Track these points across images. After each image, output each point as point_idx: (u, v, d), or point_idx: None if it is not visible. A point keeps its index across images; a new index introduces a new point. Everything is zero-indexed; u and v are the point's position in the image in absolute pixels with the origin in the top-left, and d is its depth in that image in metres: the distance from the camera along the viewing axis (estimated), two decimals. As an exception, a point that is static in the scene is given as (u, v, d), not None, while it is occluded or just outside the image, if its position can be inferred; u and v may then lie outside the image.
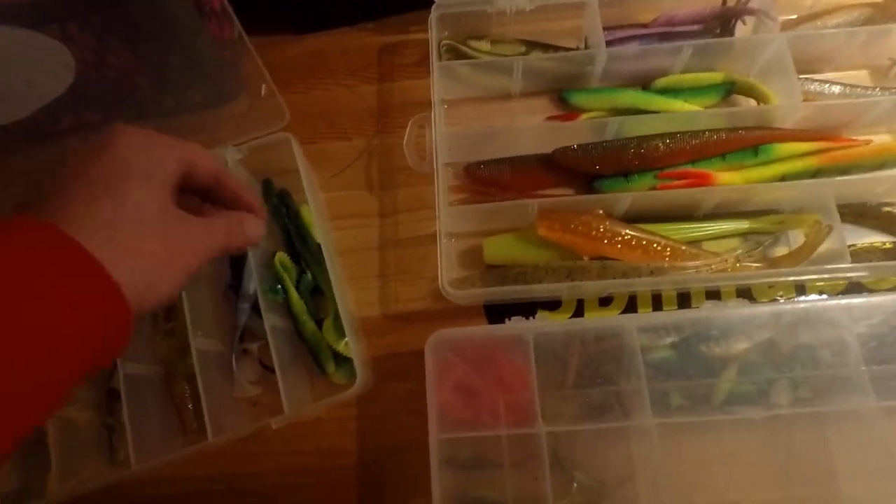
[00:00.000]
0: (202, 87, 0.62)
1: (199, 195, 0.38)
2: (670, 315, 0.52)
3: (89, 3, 0.47)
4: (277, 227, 0.60)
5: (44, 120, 0.54)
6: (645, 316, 0.52)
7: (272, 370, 0.51)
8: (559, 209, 0.54)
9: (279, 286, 0.56)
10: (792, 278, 0.54)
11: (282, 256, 0.57)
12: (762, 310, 0.49)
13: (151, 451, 0.50)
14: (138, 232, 0.30)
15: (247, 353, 0.57)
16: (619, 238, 0.53)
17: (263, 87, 0.67)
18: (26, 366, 0.25)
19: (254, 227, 0.39)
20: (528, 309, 0.56)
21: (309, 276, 0.57)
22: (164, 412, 0.55)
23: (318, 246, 0.57)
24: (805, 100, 0.58)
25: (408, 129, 0.58)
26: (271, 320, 0.53)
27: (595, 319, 0.53)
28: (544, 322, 0.51)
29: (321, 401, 0.50)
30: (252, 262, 0.55)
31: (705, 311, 0.50)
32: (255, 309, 0.55)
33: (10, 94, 0.48)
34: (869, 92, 0.59)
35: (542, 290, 0.52)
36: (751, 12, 0.59)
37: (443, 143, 0.56)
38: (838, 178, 0.53)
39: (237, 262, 0.58)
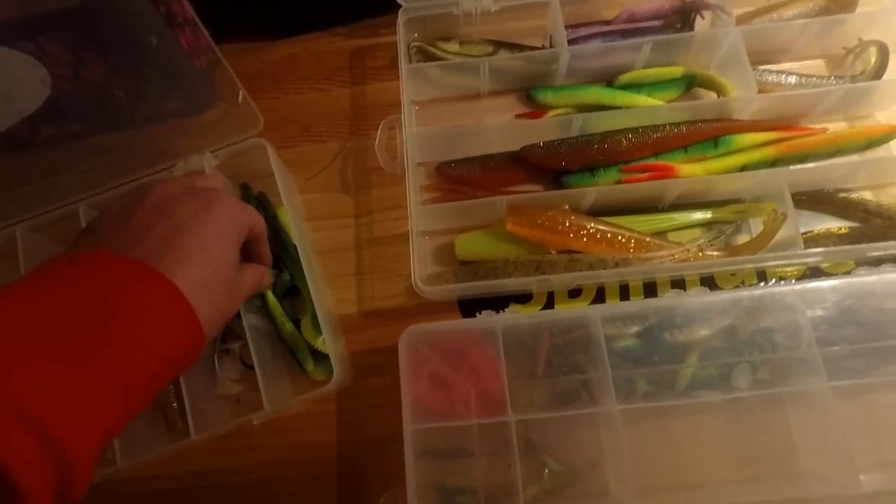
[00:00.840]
0: (177, 96, 0.63)
1: None
2: (634, 304, 0.53)
3: (60, 20, 0.49)
4: (256, 230, 0.62)
5: (23, 132, 0.55)
6: (609, 306, 0.53)
7: (253, 368, 0.53)
8: (527, 205, 0.56)
9: (258, 288, 0.57)
10: (750, 265, 0.56)
11: (259, 259, 0.58)
12: (721, 297, 0.51)
13: (137, 449, 0.51)
14: (217, 289, 0.40)
15: (229, 352, 0.59)
16: (585, 231, 0.54)
17: (240, 93, 0.68)
18: (140, 378, 0.34)
19: (268, 280, 0.52)
20: (500, 302, 0.58)
21: (287, 276, 0.59)
22: (149, 411, 0.57)
23: (295, 247, 0.58)
24: (763, 90, 0.60)
25: (379, 132, 0.60)
26: (250, 320, 0.54)
27: (561, 311, 0.54)
28: (513, 315, 0.53)
29: (300, 396, 0.52)
30: (230, 266, 0.56)
31: (668, 299, 0.52)
32: (235, 310, 0.57)
33: (-14, 111, 0.50)
34: (824, 81, 0.61)
35: (512, 284, 0.54)
36: (707, 7, 0.61)
37: (413, 144, 0.58)
38: (792, 167, 0.55)
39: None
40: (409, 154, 0.57)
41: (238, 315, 0.55)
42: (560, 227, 0.55)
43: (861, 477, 0.45)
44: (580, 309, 0.53)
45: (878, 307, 0.49)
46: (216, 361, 0.58)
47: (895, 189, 0.59)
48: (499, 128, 0.63)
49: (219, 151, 0.60)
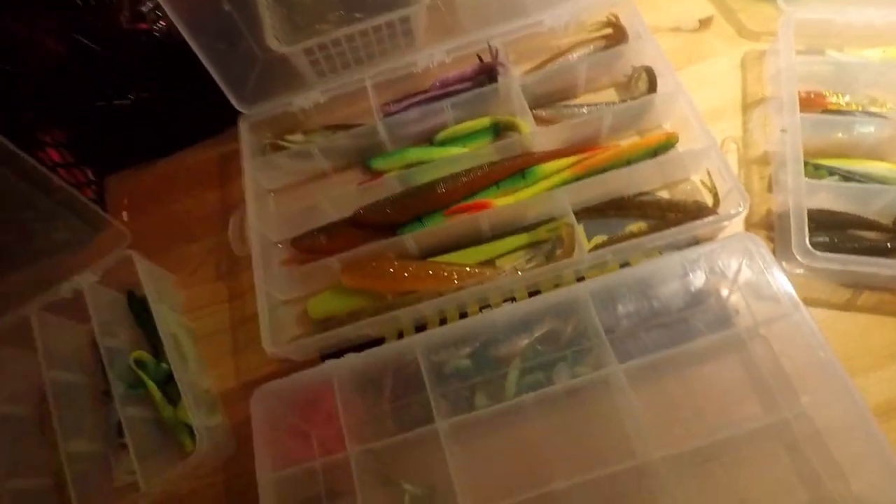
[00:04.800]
0: (65, 228, 0.72)
1: None
2: (450, 328, 0.57)
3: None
4: (141, 331, 0.69)
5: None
6: (428, 334, 0.57)
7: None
8: (358, 258, 0.63)
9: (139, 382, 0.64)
10: (550, 275, 0.61)
11: (138, 354, 0.65)
12: (520, 306, 0.56)
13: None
14: None
15: (125, 447, 0.64)
16: (408, 272, 0.61)
17: (124, 213, 0.78)
18: None
19: None
20: (359, 349, 0.64)
21: (165, 365, 0.65)
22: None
23: (173, 337, 0.65)
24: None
25: (230, 222, 0.68)
26: (128, 412, 0.60)
27: (388, 346, 0.58)
28: (347, 359, 0.57)
29: (170, 471, 0.57)
30: (108, 369, 0.62)
31: (474, 319, 0.58)
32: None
33: None
34: (614, 105, 0.69)
35: (346, 332, 0.59)
36: (494, 66, 0.71)
37: (260, 227, 0.66)
38: (572, 185, 0.62)
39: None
40: (254, 236, 0.64)
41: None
42: (387, 273, 0.61)
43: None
44: (404, 341, 0.57)
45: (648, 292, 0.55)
46: (111, 457, 0.63)
47: (686, 185, 0.65)
48: (344, 196, 0.70)
49: (96, 268, 0.68)
